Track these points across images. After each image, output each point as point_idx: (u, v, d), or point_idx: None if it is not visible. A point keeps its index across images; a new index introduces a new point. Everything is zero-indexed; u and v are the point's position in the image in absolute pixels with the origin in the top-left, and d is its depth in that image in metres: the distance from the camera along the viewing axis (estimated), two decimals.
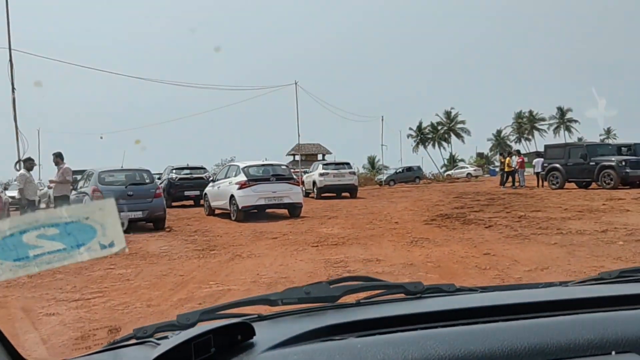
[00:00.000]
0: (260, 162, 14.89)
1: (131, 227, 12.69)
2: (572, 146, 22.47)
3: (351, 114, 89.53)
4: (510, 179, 26.12)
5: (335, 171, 23.10)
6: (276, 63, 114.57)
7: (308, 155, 60.65)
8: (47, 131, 47.97)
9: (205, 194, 16.38)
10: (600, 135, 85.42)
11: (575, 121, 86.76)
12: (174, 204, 21.50)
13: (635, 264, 6.67)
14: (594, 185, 21.88)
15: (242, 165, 14.50)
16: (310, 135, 74.73)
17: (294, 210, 14.58)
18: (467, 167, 54.42)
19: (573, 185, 22.35)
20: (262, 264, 7.45)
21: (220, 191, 14.94)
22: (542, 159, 25.10)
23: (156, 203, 12.60)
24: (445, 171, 69.53)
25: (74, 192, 13.92)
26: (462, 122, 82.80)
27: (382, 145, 50.68)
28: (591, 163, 20.95)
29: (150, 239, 10.84)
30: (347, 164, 23.98)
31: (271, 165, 14.91)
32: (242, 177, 13.94)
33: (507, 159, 25.56)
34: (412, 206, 16.64)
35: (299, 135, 31.27)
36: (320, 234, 10.52)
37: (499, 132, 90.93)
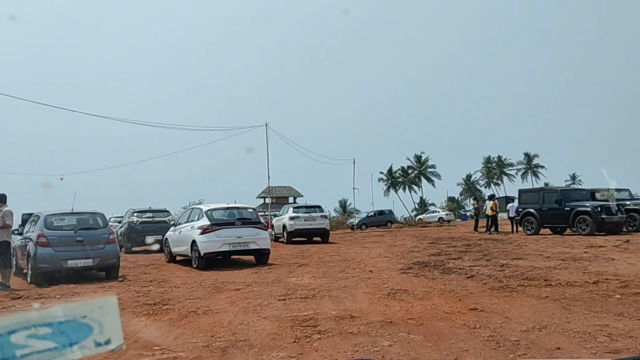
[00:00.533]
0: (225, 205, 13.93)
1: (80, 276, 11.55)
2: (547, 191, 22.15)
3: (322, 157, 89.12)
4: (475, 221, 25.73)
5: (307, 215, 22.26)
6: (246, 104, 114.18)
7: (279, 198, 59.79)
8: (2, 172, 46.05)
9: (166, 239, 15.26)
10: (565, 181, 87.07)
11: (542, 167, 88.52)
12: (134, 249, 20.30)
13: None
14: (568, 230, 21.56)
15: (205, 208, 13.51)
16: (281, 178, 73.81)
17: (261, 257, 13.59)
18: (438, 212, 54.18)
19: (548, 230, 21.97)
20: (220, 323, 6.46)
21: (182, 236, 13.88)
22: (515, 204, 24.78)
23: (109, 250, 11.49)
24: (416, 215, 69.33)
25: (19, 237, 12.75)
26: (433, 166, 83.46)
27: (354, 188, 49.87)
28: (566, 208, 20.60)
29: (98, 291, 9.73)
30: (319, 207, 23.18)
31: (237, 208, 13.94)
32: (204, 221, 12.95)
33: (491, 202, 25.04)
34: (387, 252, 15.85)
35: (269, 178, 30.35)
36: (288, 284, 9.57)
37: (469, 176, 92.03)
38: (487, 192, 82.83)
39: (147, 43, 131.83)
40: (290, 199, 61.48)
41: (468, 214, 74.30)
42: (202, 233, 12.72)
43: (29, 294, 9.50)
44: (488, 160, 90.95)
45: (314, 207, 23.14)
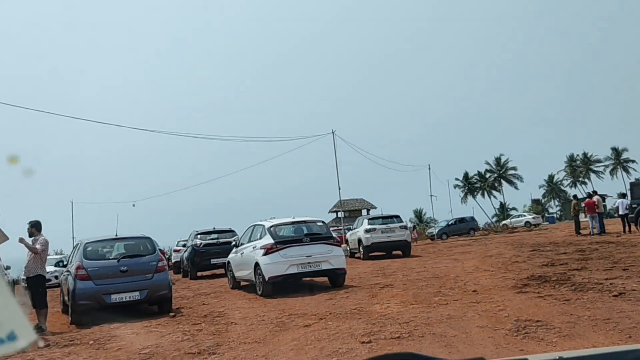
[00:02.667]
0: (290, 220, 11.96)
1: (127, 311, 9.91)
2: None
3: (395, 163, 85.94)
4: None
5: (384, 226, 19.95)
6: (313, 114, 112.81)
7: (351, 212, 57.57)
8: (81, 202, 46.83)
9: (229, 262, 13.49)
10: None
11: (633, 161, 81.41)
12: (200, 273, 18.81)
13: None
14: None
15: (267, 224, 11.59)
16: (352, 191, 71.50)
17: (335, 279, 11.50)
18: (524, 215, 49.98)
19: None
20: None
21: (244, 258, 12.05)
22: (625, 200, 21.43)
23: (158, 279, 9.80)
24: (497, 221, 64.97)
25: (64, 270, 11.37)
26: (514, 168, 78.54)
27: (431, 195, 47.20)
28: None
29: (141, 332, 7.97)
30: (397, 217, 20.78)
31: (304, 222, 11.91)
32: (267, 240, 11.04)
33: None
34: (483, 264, 13.34)
35: (339, 189, 28.40)
36: (372, 315, 7.42)
37: (551, 177, 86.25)
38: (573, 192, 77.09)
39: (214, 57, 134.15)
40: (364, 212, 59.13)
41: (555, 215, 69.14)
42: (265, 254, 10.82)
43: (60, 339, 7.89)
44: (571, 159, 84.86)
45: (392, 217, 20.80)
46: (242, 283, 13.00)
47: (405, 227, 20.78)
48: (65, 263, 11.68)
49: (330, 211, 59.92)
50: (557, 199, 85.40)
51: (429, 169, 47.87)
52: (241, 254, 12.36)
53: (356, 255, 21.17)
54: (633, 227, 20.29)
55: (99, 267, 9.48)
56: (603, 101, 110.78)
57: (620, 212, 21.68)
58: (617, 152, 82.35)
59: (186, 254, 19.13)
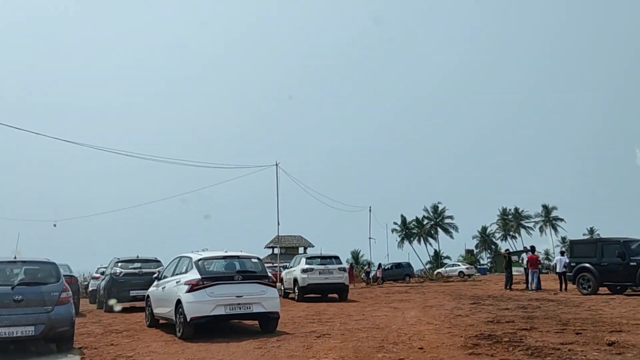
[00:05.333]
0: (222, 254, 10.74)
1: (17, 349, 8.38)
2: (605, 242, 18.79)
3: (336, 202, 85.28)
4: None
5: (322, 267, 18.94)
6: (257, 148, 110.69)
7: (288, 248, 56.28)
8: None
9: (148, 296, 12.04)
10: (583, 234, 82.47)
11: (561, 219, 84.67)
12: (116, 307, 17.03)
13: None
14: (629, 290, 18.30)
15: (195, 257, 10.32)
16: (290, 228, 70.01)
17: (267, 324, 10.30)
18: (459, 265, 50.34)
19: (603, 289, 18.60)
20: None
21: (165, 294, 10.68)
22: (563, 257, 21.49)
23: (59, 313, 8.30)
24: (430, 268, 65.27)
25: None
26: (450, 217, 79.92)
27: (369, 238, 46.68)
28: (632, 263, 17.28)
29: None
30: (336, 257, 19.87)
31: (237, 257, 10.68)
32: (194, 275, 9.77)
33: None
34: (425, 316, 12.55)
35: (278, 224, 27.29)
36: None
37: (484, 229, 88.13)
38: (504, 246, 78.89)
39: (151, 82, 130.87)
40: (301, 249, 57.95)
41: (486, 267, 70.22)
42: (189, 290, 9.54)
43: None
44: (504, 212, 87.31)
45: (331, 257, 19.85)
46: (162, 321, 11.59)
47: (344, 270, 19.85)
48: None
49: (267, 246, 58.40)
50: (489, 251, 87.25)
51: (370, 210, 47.55)
52: (162, 288, 10.99)
53: (290, 295, 20.02)
54: (570, 285, 20.21)
55: None
56: (537, 158, 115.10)
57: (558, 270, 21.70)
58: (547, 210, 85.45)
59: (103, 283, 17.37)
